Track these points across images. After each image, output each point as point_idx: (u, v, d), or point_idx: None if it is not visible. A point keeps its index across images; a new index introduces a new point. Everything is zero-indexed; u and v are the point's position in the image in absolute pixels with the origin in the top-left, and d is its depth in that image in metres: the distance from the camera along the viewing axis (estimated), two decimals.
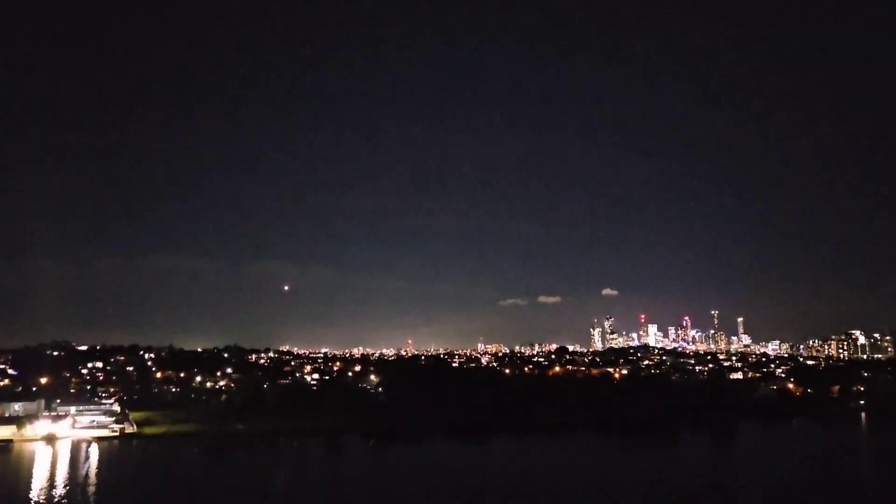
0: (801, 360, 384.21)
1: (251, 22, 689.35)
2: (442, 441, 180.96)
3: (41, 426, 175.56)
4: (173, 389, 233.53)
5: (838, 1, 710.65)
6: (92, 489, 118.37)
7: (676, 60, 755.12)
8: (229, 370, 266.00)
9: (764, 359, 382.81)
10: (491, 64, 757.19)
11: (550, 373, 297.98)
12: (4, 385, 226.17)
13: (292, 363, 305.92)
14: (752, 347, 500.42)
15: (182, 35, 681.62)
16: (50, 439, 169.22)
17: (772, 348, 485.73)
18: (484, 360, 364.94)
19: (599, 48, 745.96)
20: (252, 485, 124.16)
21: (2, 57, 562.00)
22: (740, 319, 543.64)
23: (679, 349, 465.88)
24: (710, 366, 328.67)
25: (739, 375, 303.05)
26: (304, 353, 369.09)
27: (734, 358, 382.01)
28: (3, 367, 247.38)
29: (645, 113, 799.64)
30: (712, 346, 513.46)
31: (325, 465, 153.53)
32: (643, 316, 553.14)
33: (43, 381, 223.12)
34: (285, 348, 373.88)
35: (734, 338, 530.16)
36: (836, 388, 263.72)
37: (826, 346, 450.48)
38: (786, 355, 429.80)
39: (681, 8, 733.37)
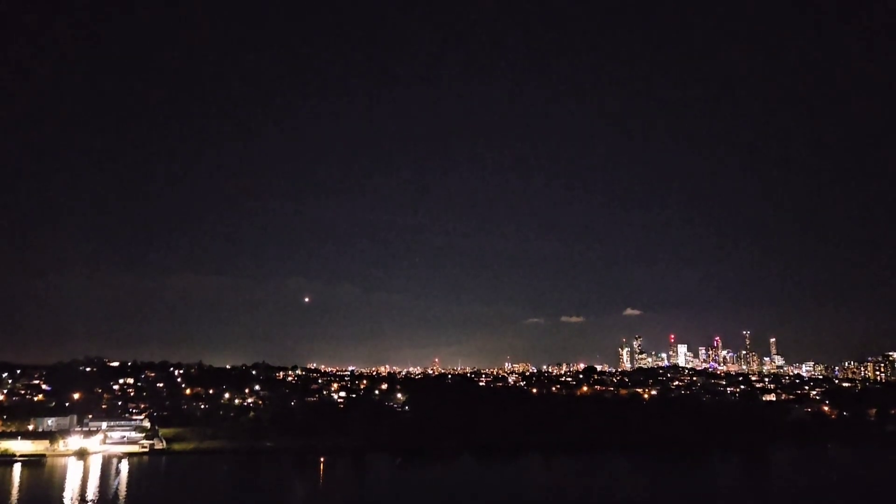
0: (837, 381, 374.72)
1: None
2: (469, 460, 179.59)
3: (73, 441, 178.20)
4: (202, 406, 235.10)
5: (839, 1, 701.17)
6: None
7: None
8: (257, 387, 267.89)
9: (798, 380, 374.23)
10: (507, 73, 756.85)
11: (579, 392, 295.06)
12: (38, 400, 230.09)
13: (319, 381, 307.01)
14: (785, 368, 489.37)
15: (196, 41, 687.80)
16: (82, 454, 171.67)
17: (805, 370, 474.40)
18: (511, 380, 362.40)
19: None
20: (279, 502, 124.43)
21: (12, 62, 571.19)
22: (773, 340, 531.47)
23: (710, 370, 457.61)
24: (742, 387, 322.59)
25: (772, 397, 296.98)
26: (331, 371, 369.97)
27: (767, 379, 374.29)
28: (37, 382, 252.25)
29: (673, 128, 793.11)
30: (744, 366, 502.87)
31: (351, 483, 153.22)
32: (673, 336, 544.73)
33: (76, 396, 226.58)
34: (312, 366, 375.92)
35: (767, 359, 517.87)
36: (873, 410, 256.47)
37: (862, 368, 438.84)
38: (820, 377, 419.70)
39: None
